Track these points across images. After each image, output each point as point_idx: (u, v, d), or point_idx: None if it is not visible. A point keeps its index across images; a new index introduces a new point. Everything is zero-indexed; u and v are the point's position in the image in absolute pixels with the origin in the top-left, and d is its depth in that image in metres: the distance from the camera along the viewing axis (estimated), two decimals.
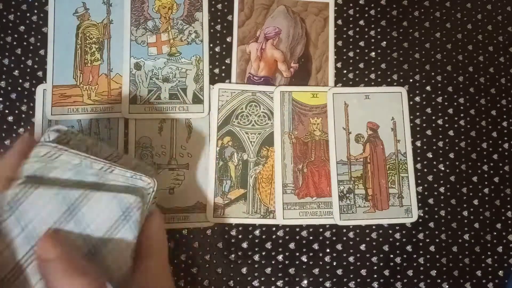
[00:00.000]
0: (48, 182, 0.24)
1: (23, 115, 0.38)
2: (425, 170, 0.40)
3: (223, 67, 0.40)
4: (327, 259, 0.39)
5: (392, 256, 0.39)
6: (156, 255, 0.27)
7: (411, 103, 0.41)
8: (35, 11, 0.39)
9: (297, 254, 0.38)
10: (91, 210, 0.24)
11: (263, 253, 0.38)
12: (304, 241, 0.39)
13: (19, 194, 0.23)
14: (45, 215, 0.23)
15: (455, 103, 0.41)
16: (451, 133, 0.41)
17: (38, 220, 0.23)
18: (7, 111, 0.38)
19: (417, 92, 0.41)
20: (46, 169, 0.24)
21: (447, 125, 0.41)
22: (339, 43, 0.41)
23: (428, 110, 0.41)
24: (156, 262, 0.27)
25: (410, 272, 0.39)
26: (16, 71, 0.39)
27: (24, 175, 0.24)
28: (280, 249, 0.38)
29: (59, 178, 0.24)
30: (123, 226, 0.24)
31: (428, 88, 0.41)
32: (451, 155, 0.41)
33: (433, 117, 0.41)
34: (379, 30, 0.42)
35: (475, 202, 0.40)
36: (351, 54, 0.41)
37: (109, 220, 0.24)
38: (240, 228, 0.38)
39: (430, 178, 0.40)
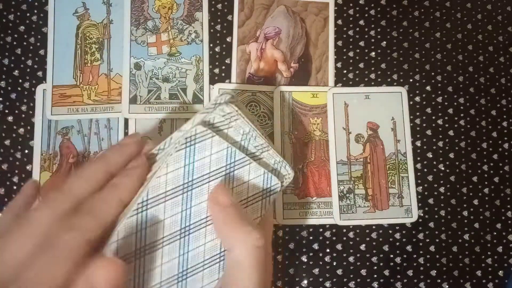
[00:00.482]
0: (223, 136, 0.26)
1: (23, 115, 0.38)
2: (425, 170, 0.40)
3: (223, 67, 0.40)
4: (327, 259, 0.39)
5: (392, 256, 0.39)
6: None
7: (411, 103, 0.41)
8: (35, 11, 0.39)
9: (297, 254, 0.38)
10: (242, 174, 0.26)
11: None
12: (304, 241, 0.39)
13: (200, 134, 0.25)
14: (212, 161, 0.25)
15: (455, 103, 0.41)
16: (451, 133, 0.41)
17: (204, 163, 0.25)
18: (7, 111, 0.38)
19: (417, 92, 0.41)
20: (224, 125, 0.26)
21: (447, 125, 0.41)
22: (339, 43, 0.41)
23: (428, 110, 0.41)
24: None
25: (410, 272, 0.39)
26: (16, 71, 0.39)
27: (209, 121, 0.26)
28: (280, 249, 0.38)
29: (232, 137, 0.27)
30: (256, 202, 0.27)
31: (428, 88, 0.41)
32: (451, 155, 0.41)
33: (433, 117, 0.41)
34: (379, 30, 0.42)
35: (475, 202, 0.40)
36: (351, 54, 0.41)
37: (251, 190, 0.27)
38: None
39: (430, 178, 0.40)
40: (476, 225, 0.40)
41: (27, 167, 0.38)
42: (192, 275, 0.25)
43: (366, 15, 0.42)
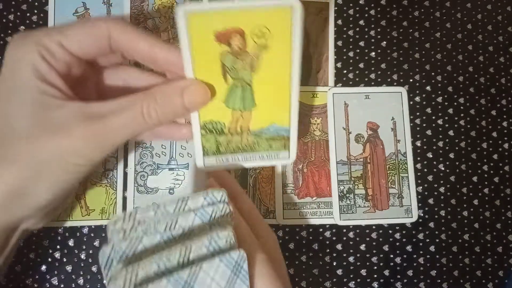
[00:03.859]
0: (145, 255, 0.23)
1: None
2: (425, 170, 0.40)
3: None
4: (327, 259, 0.39)
5: (392, 256, 0.39)
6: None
7: (411, 103, 0.41)
8: (35, 11, 0.39)
9: (297, 254, 0.38)
10: (203, 282, 0.23)
11: None
12: (304, 241, 0.39)
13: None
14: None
15: (455, 103, 0.41)
16: (451, 133, 0.41)
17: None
18: None
19: (417, 92, 0.41)
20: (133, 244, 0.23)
21: (447, 125, 0.41)
22: (339, 43, 0.41)
23: (428, 110, 0.41)
24: None
25: (410, 272, 0.39)
26: None
27: (117, 261, 0.23)
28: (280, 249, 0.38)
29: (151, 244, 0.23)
30: (234, 283, 0.24)
31: (428, 88, 0.41)
32: (451, 155, 0.41)
33: (433, 117, 0.41)
34: (379, 30, 0.42)
35: (475, 202, 0.40)
36: (351, 54, 0.41)
37: (221, 284, 0.23)
38: None
39: (430, 178, 0.40)
40: (476, 225, 0.40)
41: None
42: None
43: (366, 15, 0.42)
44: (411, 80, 0.41)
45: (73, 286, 0.36)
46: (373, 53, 0.41)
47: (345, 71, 0.41)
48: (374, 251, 0.39)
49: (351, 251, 0.39)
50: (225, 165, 0.31)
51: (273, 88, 0.28)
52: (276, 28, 0.25)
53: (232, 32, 0.25)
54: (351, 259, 0.39)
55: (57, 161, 0.25)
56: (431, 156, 0.40)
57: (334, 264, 0.39)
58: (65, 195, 0.28)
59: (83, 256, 0.37)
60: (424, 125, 0.41)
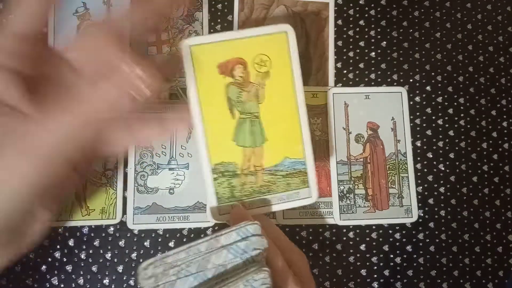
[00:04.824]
0: None
1: None
2: (425, 170, 0.40)
3: None
4: (327, 259, 0.39)
5: (392, 256, 0.39)
6: None
7: (411, 103, 0.41)
8: None
9: None
10: None
11: None
12: (304, 241, 0.39)
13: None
14: None
15: (455, 103, 0.41)
16: (451, 133, 0.41)
17: None
18: None
19: (417, 92, 0.41)
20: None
21: (447, 125, 0.41)
22: (339, 43, 0.41)
23: (428, 110, 0.41)
24: None
25: (410, 272, 0.39)
26: None
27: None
28: None
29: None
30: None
31: (428, 88, 0.41)
32: (451, 155, 0.41)
33: (433, 117, 0.41)
34: (379, 30, 0.42)
35: (475, 202, 0.40)
36: (351, 54, 0.41)
37: None
38: None
39: (430, 178, 0.40)
40: (476, 225, 0.40)
41: None
42: None
43: (366, 15, 0.42)
44: (411, 80, 0.41)
45: (73, 286, 0.36)
46: (373, 53, 0.41)
47: (345, 71, 0.41)
48: (374, 251, 0.39)
49: (351, 251, 0.39)
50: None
51: (281, 118, 0.27)
52: (275, 55, 0.26)
53: (234, 63, 0.26)
54: (351, 259, 0.39)
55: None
56: (431, 156, 0.40)
57: (334, 264, 0.39)
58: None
59: (83, 256, 0.37)
60: (424, 125, 0.41)
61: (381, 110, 0.40)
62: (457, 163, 0.41)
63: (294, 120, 0.28)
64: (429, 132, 0.41)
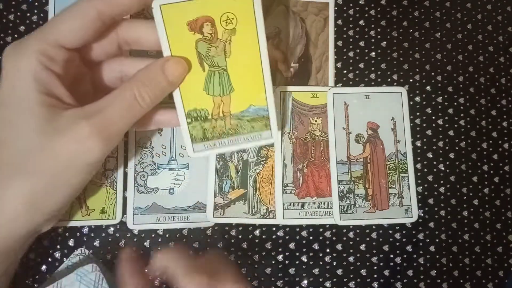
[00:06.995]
0: None
1: None
2: (425, 170, 0.40)
3: None
4: (327, 259, 0.39)
5: (392, 256, 0.39)
6: None
7: (411, 103, 0.41)
8: (35, 11, 0.39)
9: (297, 254, 0.38)
10: None
11: (263, 253, 0.38)
12: (304, 241, 0.39)
13: None
14: None
15: (455, 103, 0.41)
16: (451, 133, 0.41)
17: None
18: None
19: (417, 92, 0.41)
20: None
21: (447, 125, 0.41)
22: (339, 43, 0.41)
23: (428, 110, 0.41)
24: None
25: (410, 272, 0.39)
26: None
27: None
28: (280, 249, 0.38)
29: None
30: None
31: (428, 88, 0.41)
32: (451, 155, 0.41)
33: (433, 117, 0.41)
34: (379, 30, 0.42)
35: (475, 202, 0.40)
36: (351, 54, 0.41)
37: None
38: (240, 228, 0.38)
39: (430, 178, 0.40)
40: (476, 225, 0.40)
41: None
42: None
43: (366, 15, 0.42)
44: (411, 80, 0.41)
45: None
46: (373, 53, 0.41)
47: (345, 71, 0.41)
48: (374, 251, 0.39)
49: (351, 251, 0.39)
50: (213, 150, 0.33)
51: (247, 70, 0.30)
52: (242, 14, 0.29)
53: (203, 21, 0.28)
54: (351, 259, 0.39)
55: (71, 165, 0.26)
56: (431, 156, 0.40)
57: (334, 264, 0.39)
58: (76, 195, 0.30)
59: None
60: (424, 125, 0.41)
61: (381, 110, 0.40)
62: (457, 163, 0.41)
63: (258, 72, 0.31)
64: (429, 132, 0.41)
